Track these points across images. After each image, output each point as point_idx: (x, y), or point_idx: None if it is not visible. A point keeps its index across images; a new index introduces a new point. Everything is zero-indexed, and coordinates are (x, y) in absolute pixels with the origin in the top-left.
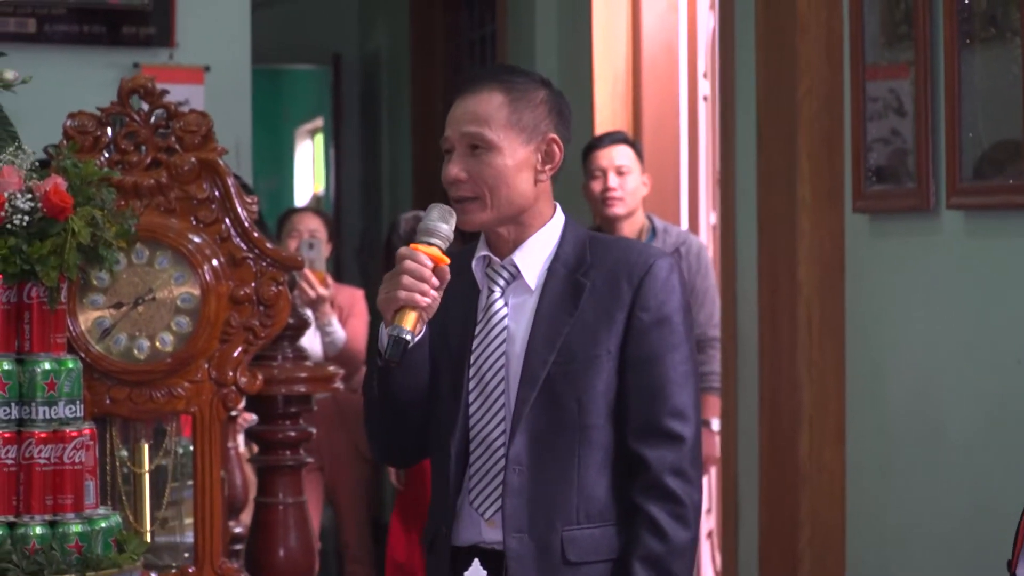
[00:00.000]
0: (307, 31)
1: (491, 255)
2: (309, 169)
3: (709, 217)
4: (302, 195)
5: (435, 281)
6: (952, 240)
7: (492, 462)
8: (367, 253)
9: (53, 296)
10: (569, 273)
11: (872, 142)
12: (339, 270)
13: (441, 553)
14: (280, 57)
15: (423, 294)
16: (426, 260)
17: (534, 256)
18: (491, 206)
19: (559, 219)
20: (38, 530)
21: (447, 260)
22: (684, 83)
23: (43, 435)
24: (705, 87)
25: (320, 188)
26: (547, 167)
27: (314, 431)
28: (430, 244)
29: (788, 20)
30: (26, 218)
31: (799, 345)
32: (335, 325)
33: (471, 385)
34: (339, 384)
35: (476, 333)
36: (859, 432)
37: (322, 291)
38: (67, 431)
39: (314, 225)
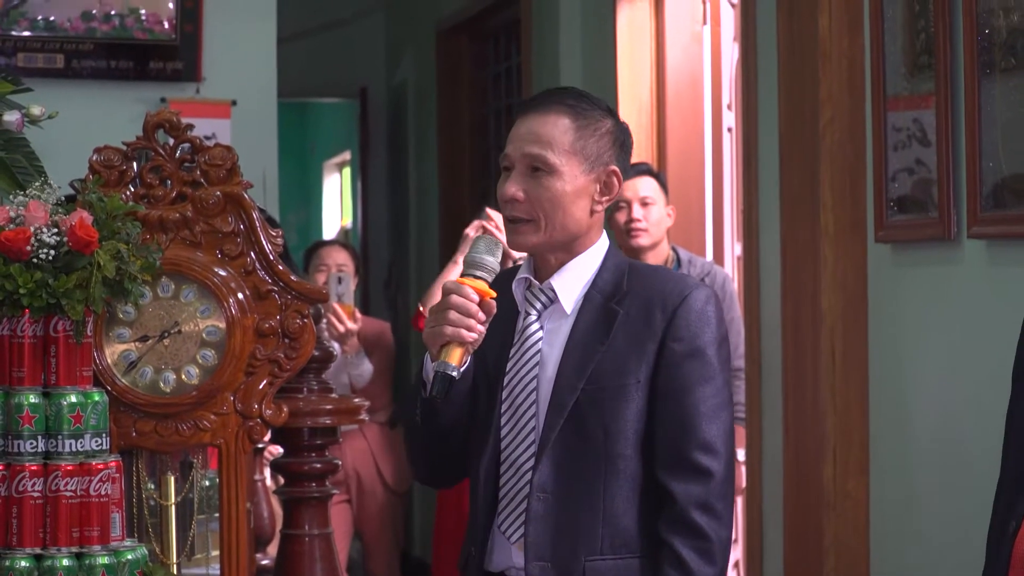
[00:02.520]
0: (334, 65)
1: (531, 278)
2: (337, 202)
3: (734, 248)
4: (330, 228)
5: (481, 316)
6: (974, 269)
7: (520, 486)
8: (395, 286)
9: (79, 329)
10: (604, 300)
11: (896, 172)
12: (366, 303)
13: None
14: (307, 91)
15: (469, 329)
16: (472, 294)
17: (572, 281)
18: (544, 229)
19: (603, 245)
20: (65, 562)
21: (493, 293)
22: (708, 114)
23: (70, 467)
24: (730, 118)
25: (348, 221)
26: (604, 198)
27: (340, 463)
28: (476, 277)
29: (810, 51)
30: (52, 252)
31: (823, 374)
32: (363, 359)
33: (503, 407)
34: (365, 416)
35: (511, 355)
36: (883, 461)
37: (351, 325)
38: (93, 464)
39: (342, 259)
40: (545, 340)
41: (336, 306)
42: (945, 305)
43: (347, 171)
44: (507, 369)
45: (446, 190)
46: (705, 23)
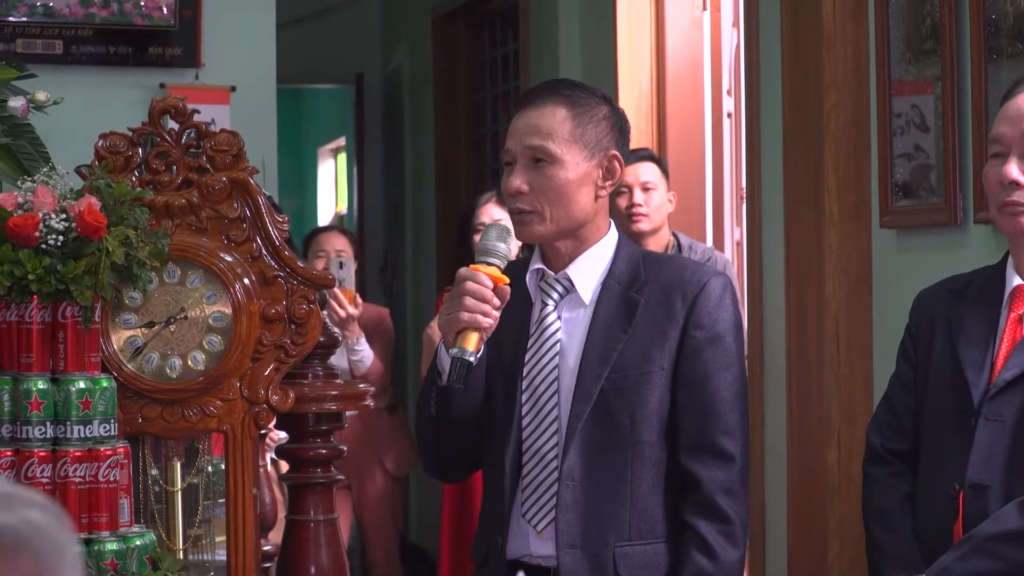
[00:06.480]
0: (330, 51)
1: (545, 268)
2: (332, 188)
3: (734, 234)
4: (325, 214)
5: (496, 301)
6: (980, 254)
7: (545, 475)
8: (390, 272)
9: (87, 315)
10: (623, 290)
11: (896, 158)
12: (362, 289)
13: (496, 566)
14: (303, 77)
15: (485, 315)
16: (487, 281)
17: (589, 271)
18: (551, 219)
19: (613, 235)
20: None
21: (507, 279)
22: (708, 100)
23: (78, 454)
24: (729, 104)
25: (343, 207)
26: (607, 183)
27: (344, 448)
28: (489, 264)
29: (814, 35)
30: (60, 238)
31: (827, 360)
32: (363, 344)
33: (524, 398)
34: (370, 402)
35: (528, 346)
36: None
37: (352, 310)
38: (102, 450)
39: (340, 244)
40: (564, 330)
41: (337, 291)
42: None
43: (342, 157)
44: (526, 360)
45: (442, 176)
46: (705, 9)
